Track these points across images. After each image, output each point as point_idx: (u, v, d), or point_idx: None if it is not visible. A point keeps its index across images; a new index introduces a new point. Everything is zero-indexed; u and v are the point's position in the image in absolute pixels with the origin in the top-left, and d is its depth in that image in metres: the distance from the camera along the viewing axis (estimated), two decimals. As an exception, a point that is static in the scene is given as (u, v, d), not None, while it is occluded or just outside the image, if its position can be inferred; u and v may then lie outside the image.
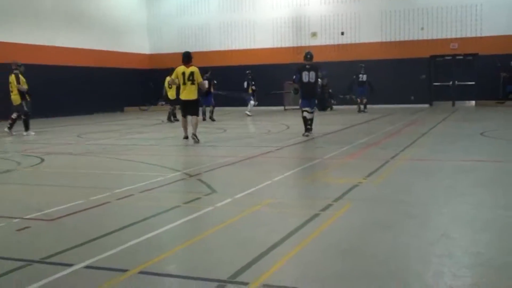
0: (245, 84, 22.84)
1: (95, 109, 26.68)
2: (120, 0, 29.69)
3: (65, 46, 25.24)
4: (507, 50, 24.58)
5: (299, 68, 13.25)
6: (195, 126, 12.25)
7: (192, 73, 12.05)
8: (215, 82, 21.18)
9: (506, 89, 24.74)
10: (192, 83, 12.07)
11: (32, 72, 18.49)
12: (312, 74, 13.09)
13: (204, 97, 19.24)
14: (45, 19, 24.36)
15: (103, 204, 5.99)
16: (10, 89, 15.00)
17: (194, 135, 12.14)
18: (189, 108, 12.28)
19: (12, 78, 14.95)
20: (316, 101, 14.39)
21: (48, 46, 24.31)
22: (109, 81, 27.72)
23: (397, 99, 26.40)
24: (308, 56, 13.32)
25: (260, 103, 24.23)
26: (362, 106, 22.85)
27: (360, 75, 22.98)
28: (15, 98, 14.99)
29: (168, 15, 31.21)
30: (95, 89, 26.65)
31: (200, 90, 12.43)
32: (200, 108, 13.96)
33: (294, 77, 13.40)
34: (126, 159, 9.75)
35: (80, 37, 26.30)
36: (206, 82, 14.99)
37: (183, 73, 12.07)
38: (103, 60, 27.59)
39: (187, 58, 12.28)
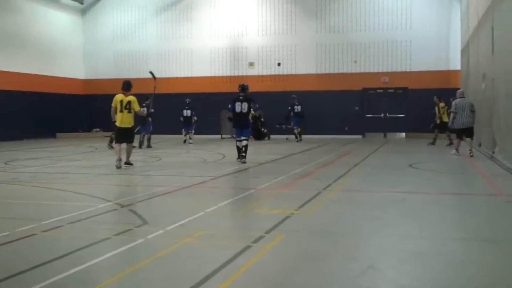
0: (189, 112, 22.62)
1: (26, 135, 25.81)
2: (55, 23, 29.12)
3: (-5, 69, 24.44)
4: (432, 85, 25.76)
5: (234, 99, 14.10)
6: (129, 153, 12.54)
7: (129, 102, 12.42)
8: (152, 110, 21.00)
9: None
10: (129, 112, 12.43)
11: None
12: (245, 104, 13.87)
13: (142, 125, 19.64)
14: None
15: (29, 236, 5.77)
16: None
17: (127, 162, 12.43)
18: (124, 135, 12.57)
19: None
20: (250, 131, 14.87)
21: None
22: (42, 106, 26.97)
23: (332, 129, 27.07)
24: (241, 87, 14.24)
25: (197, 131, 24.20)
26: (298, 136, 23.43)
27: (296, 107, 23.57)
28: None
29: (105, 40, 30.88)
30: (26, 114, 25.84)
31: (140, 117, 12.59)
32: (137, 136, 14.13)
33: (229, 106, 14.17)
34: (55, 188, 9.46)
35: (11, 60, 25.57)
36: (144, 110, 15.02)
37: (121, 101, 12.44)
38: (35, 84, 26.88)
39: (126, 86, 12.65)
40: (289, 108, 23.86)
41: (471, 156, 14.93)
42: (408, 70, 26.73)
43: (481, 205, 7.92)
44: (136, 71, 30.08)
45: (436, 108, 19.98)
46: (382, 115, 27.15)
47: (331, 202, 8.04)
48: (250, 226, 6.41)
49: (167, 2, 29.95)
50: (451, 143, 19.07)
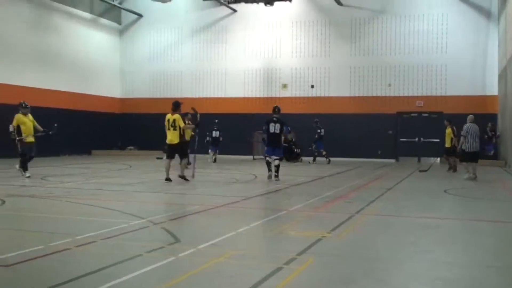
0: (217, 133, 23.12)
1: (62, 151, 26.35)
2: (94, 42, 29.84)
3: (34, 87, 25.06)
4: (468, 110, 25.36)
5: (267, 120, 14.97)
6: (182, 168, 13.84)
7: (174, 120, 13.52)
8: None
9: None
10: (174, 129, 13.54)
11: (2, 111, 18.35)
12: (278, 126, 14.73)
13: (214, 145, 22.27)
14: (14, 58, 24.27)
15: (63, 250, 5.86)
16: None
17: (181, 175, 13.67)
18: (173, 151, 13.81)
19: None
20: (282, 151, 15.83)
21: (16, 86, 24.12)
22: (78, 123, 27.51)
23: (364, 153, 26.83)
24: (276, 109, 15.12)
25: (229, 151, 24.43)
26: (326, 158, 23.68)
27: (321, 129, 23.83)
28: None
29: (141, 60, 31.47)
30: (63, 131, 26.32)
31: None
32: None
33: (263, 128, 15.08)
34: (89, 204, 9.60)
35: (50, 78, 26.24)
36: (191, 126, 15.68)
37: (168, 120, 13.68)
38: (72, 102, 27.49)
39: (173, 106, 13.82)
40: (318, 131, 23.88)
41: (473, 179, 15.47)
42: (443, 94, 26.43)
43: (518, 234, 7.71)
44: (171, 91, 30.55)
45: (448, 132, 19.31)
46: (416, 139, 26.82)
47: (363, 226, 7.95)
48: (281, 248, 6.37)
49: (203, 24, 30.41)
50: (450, 168, 18.75)
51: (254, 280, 4.76)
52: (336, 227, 7.56)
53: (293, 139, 25.26)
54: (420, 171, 19.06)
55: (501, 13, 24.15)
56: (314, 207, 9.75)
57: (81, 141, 27.92)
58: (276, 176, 14.58)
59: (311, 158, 24.17)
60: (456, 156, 18.27)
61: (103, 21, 30.61)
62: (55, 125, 15.25)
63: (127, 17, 31.83)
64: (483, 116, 25.37)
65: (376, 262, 5.66)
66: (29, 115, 14.67)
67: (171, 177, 13.66)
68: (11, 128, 14.33)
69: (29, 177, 14.07)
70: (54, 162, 21.57)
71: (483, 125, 24.77)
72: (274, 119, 14.86)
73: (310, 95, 28.48)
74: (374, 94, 27.48)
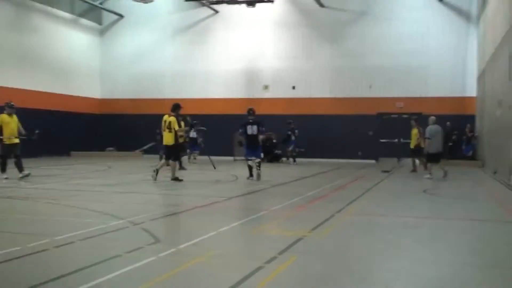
0: (195, 134, 22.85)
1: (41, 152, 25.99)
2: (74, 43, 29.56)
3: (13, 87, 24.72)
4: (447, 111, 25.68)
5: (245, 123, 15.06)
6: (172, 170, 13.98)
7: (170, 122, 13.74)
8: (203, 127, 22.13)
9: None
10: (169, 131, 13.77)
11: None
12: (254, 127, 14.91)
13: (193, 145, 21.85)
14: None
15: (41, 251, 5.77)
16: None
17: (173, 178, 13.81)
18: (168, 152, 14.12)
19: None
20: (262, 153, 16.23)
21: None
22: (57, 124, 27.19)
23: (345, 153, 26.95)
24: (251, 111, 15.19)
25: (210, 152, 24.29)
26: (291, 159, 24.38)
27: (295, 131, 24.38)
28: None
29: (122, 60, 31.22)
30: (41, 132, 26.02)
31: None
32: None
33: (240, 130, 15.28)
34: (68, 205, 9.48)
35: (29, 78, 25.91)
36: (185, 129, 15.81)
37: (165, 121, 13.93)
38: (52, 103, 27.17)
39: (172, 107, 14.12)
40: (289, 133, 24.31)
41: (430, 178, 15.87)
42: (423, 95, 26.65)
43: (497, 232, 7.80)
44: (152, 92, 30.37)
45: (414, 132, 19.23)
46: (396, 140, 27.00)
47: (344, 225, 7.97)
48: (262, 247, 6.35)
49: (184, 24, 30.29)
50: (413, 170, 18.90)
51: (235, 279, 4.74)
52: (317, 226, 7.57)
53: (274, 140, 25.33)
54: (383, 171, 19.13)
55: (481, 16, 24.46)
56: (295, 206, 9.75)
57: (60, 142, 27.58)
58: (259, 175, 14.79)
59: (291, 160, 24.31)
60: (422, 157, 18.47)
61: (84, 21, 30.32)
62: (37, 131, 15.09)
63: (108, 18, 31.55)
64: (462, 117, 25.70)
65: (357, 261, 5.67)
66: (15, 116, 14.41)
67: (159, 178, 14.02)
68: None
69: (6, 178, 13.85)
70: (33, 163, 21.27)
71: (461, 126, 25.15)
72: (250, 120, 15.01)
73: (291, 96, 28.52)
74: (355, 95, 27.62)
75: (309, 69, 28.28)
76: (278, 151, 25.43)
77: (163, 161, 14.43)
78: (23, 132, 14.57)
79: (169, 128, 13.81)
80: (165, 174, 14.74)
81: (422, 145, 17.98)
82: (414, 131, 19.16)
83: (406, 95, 26.89)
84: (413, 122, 19.66)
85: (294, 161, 24.30)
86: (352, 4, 27.81)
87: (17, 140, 14.35)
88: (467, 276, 5.18)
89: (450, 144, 25.00)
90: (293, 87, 28.48)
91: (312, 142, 27.06)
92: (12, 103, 14.46)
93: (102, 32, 31.74)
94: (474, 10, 26.19)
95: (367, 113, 27.22)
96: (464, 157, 24.89)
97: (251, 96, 28.84)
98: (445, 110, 25.77)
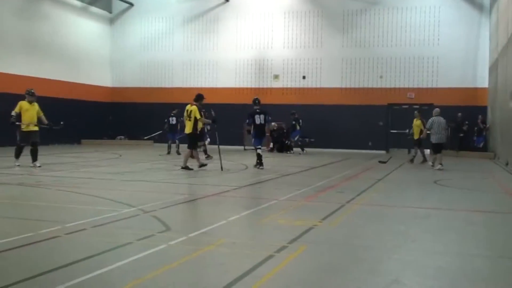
0: (174, 119, 22.07)
1: (52, 140, 26.12)
2: (84, 31, 29.57)
3: (23, 75, 24.81)
4: (459, 102, 25.53)
5: (252, 113, 15.41)
6: (185, 158, 14.13)
7: (191, 111, 14.08)
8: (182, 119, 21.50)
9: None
10: (189, 120, 14.08)
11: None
12: (262, 116, 15.31)
13: (170, 133, 21.53)
14: (3, 46, 24.02)
15: (53, 237, 5.82)
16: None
17: (184, 166, 13.92)
18: (188, 140, 14.36)
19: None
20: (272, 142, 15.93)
21: (5, 74, 23.90)
22: (68, 112, 27.22)
23: (355, 144, 26.90)
24: (257, 101, 15.56)
25: (220, 141, 24.26)
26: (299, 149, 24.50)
27: (299, 121, 24.39)
28: None
29: (131, 49, 31.24)
30: (52, 120, 26.11)
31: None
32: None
33: (247, 121, 15.62)
34: (79, 192, 9.54)
35: (39, 66, 25.97)
36: (173, 120, 15.74)
37: (187, 110, 14.25)
38: (62, 91, 27.24)
39: (195, 97, 14.41)
40: (294, 123, 24.35)
41: (433, 168, 16.47)
42: (434, 86, 26.49)
43: (507, 223, 7.76)
44: (161, 81, 30.43)
45: (417, 124, 19.21)
46: (407, 131, 26.85)
47: (354, 215, 7.96)
48: (272, 236, 6.36)
49: (194, 13, 30.23)
50: (424, 160, 18.91)
51: (245, 268, 4.75)
52: (327, 216, 7.57)
53: (285, 130, 25.29)
54: (380, 161, 19.02)
55: (493, 6, 24.19)
56: (305, 196, 9.75)
57: (71, 130, 27.67)
58: (262, 164, 15.09)
59: (299, 149, 24.39)
60: (424, 148, 18.52)
61: (94, 9, 30.32)
62: (62, 123, 15.00)
63: (118, 6, 31.54)
64: (474, 108, 25.52)
65: (367, 251, 5.66)
66: (35, 104, 14.31)
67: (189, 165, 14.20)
68: (12, 113, 14.03)
69: (18, 166, 13.92)
70: (43, 151, 21.39)
71: (472, 117, 24.98)
72: (258, 110, 15.34)
73: (301, 86, 28.45)
74: (366, 86, 27.50)
75: (319, 59, 28.16)
76: (288, 141, 25.34)
77: (187, 151, 14.53)
78: (45, 121, 14.49)
79: (190, 117, 14.06)
80: (180, 162, 14.78)
81: (424, 137, 18.14)
82: (417, 122, 19.08)
83: (417, 86, 26.76)
84: (416, 113, 19.63)
85: (303, 150, 24.31)
86: (363, -6, 27.61)
87: (35, 128, 14.25)
88: (476, 267, 5.16)
89: (461, 135, 24.87)
90: (303, 77, 28.40)
91: (322, 132, 27.03)
92: (32, 91, 14.39)
93: (112, 21, 31.75)
94: (486, 0, 25.91)
95: (378, 103, 27.10)
96: (475, 148, 24.75)
97: (261, 86, 28.81)
98: (456, 101, 25.62)
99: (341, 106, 27.46)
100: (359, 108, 27.25)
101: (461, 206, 9.19)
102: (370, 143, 26.93)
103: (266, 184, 11.96)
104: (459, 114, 25.06)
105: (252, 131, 15.61)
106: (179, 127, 21.66)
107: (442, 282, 4.63)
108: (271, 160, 19.49)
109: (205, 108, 15.55)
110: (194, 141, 14.54)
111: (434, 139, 16.59)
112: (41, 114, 14.43)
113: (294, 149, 24.76)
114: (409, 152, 26.42)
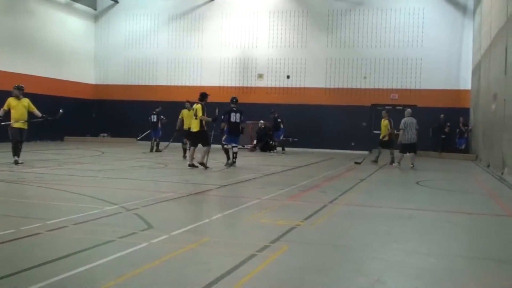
0: (155, 117, 21.76)
1: (34, 137, 25.84)
2: (68, 27, 29.33)
3: (6, 71, 24.53)
4: (442, 103, 25.77)
5: (228, 110, 15.64)
6: (202, 155, 14.33)
7: (196, 110, 14.36)
8: (162, 117, 21.39)
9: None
10: (195, 118, 14.39)
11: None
12: (238, 115, 15.56)
13: (153, 130, 21.32)
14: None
15: (34, 234, 5.75)
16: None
17: (201, 162, 14.16)
18: (194, 138, 14.63)
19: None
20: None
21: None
22: (51, 109, 26.95)
23: (338, 144, 27.01)
24: (234, 100, 15.83)
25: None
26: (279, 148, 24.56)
27: (280, 120, 24.48)
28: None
29: (116, 46, 31.04)
30: (35, 116, 25.85)
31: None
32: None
33: (223, 117, 15.73)
34: (61, 189, 9.45)
35: (22, 62, 25.70)
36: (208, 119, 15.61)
37: (193, 109, 14.61)
38: (45, 87, 26.95)
39: (199, 96, 14.72)
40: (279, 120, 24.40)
41: (412, 168, 16.78)
42: (418, 88, 26.69)
43: (489, 224, 7.84)
44: (146, 78, 30.27)
45: (384, 124, 18.91)
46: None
47: (337, 215, 7.98)
48: (255, 235, 6.35)
49: (179, 11, 30.11)
50: (375, 161, 18.88)
51: (228, 266, 4.74)
52: (310, 216, 7.58)
53: (271, 132, 25.23)
54: (355, 162, 18.94)
55: (477, 9, 24.44)
56: (288, 196, 9.76)
57: (54, 127, 27.39)
58: (234, 162, 15.39)
59: (292, 149, 24.53)
60: (393, 148, 18.55)
61: (78, 6, 30.06)
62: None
63: (102, 3, 31.31)
64: (456, 109, 25.77)
65: (350, 251, 5.68)
66: (24, 99, 13.91)
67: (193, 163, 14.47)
68: (1, 112, 13.73)
69: (21, 163, 13.63)
70: (26, 148, 21.14)
71: (455, 118, 25.22)
72: (234, 108, 15.58)
73: (285, 86, 28.50)
74: (350, 86, 27.63)
75: (303, 58, 28.22)
76: (272, 141, 25.33)
77: (192, 149, 14.67)
78: (39, 114, 14.09)
79: (195, 115, 14.34)
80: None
81: (390, 137, 18.49)
82: (384, 123, 18.94)
83: (401, 87, 26.94)
84: (384, 113, 19.50)
85: (283, 150, 24.37)
86: (348, -6, 27.73)
87: (23, 125, 13.85)
88: (459, 268, 5.20)
89: (443, 136, 25.09)
90: (288, 77, 28.45)
91: (306, 132, 27.09)
92: (21, 86, 13.97)
93: (96, 17, 31.52)
94: (470, 2, 26.17)
95: (362, 104, 27.24)
96: (458, 150, 24.99)
97: (245, 85, 28.80)
98: (439, 102, 25.87)
99: (325, 106, 27.56)
100: (343, 108, 27.37)
101: (443, 207, 9.26)
102: (353, 143, 27.05)
103: (249, 183, 11.95)
104: (442, 115, 25.28)
105: (225, 128, 15.75)
106: (159, 125, 21.57)
107: (426, 282, 4.65)
108: (254, 159, 19.50)
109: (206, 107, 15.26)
110: (206, 137, 14.68)
111: (405, 139, 17.10)
112: (34, 109, 14.03)
113: (277, 148, 24.81)
114: (391, 153, 26.61)
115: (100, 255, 5.00)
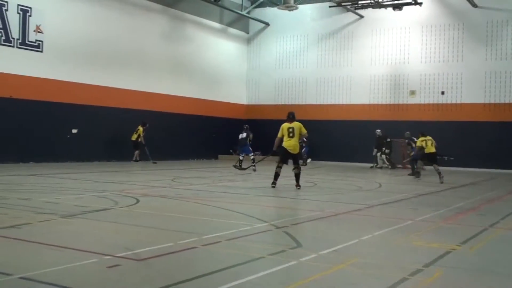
0: (244, 134, 21.43)
1: (191, 155, 27.57)
2: (223, 51, 30.93)
3: (168, 94, 26.53)
4: None
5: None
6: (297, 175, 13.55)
7: (294, 128, 13.59)
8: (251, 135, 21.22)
9: None
10: (293, 136, 13.55)
11: (141, 117, 19.94)
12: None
13: (243, 146, 20.82)
14: (151, 67, 25.78)
15: (191, 248, 6.08)
16: None
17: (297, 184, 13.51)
18: (288, 157, 13.78)
19: None
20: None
21: (152, 93, 25.65)
22: (206, 129, 28.62)
23: (499, 163, 25.13)
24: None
25: (350, 159, 24.06)
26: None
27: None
28: None
29: (267, 67, 32.06)
30: (192, 136, 27.60)
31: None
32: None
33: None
34: (215, 206, 9.91)
35: (182, 85, 27.57)
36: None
37: (288, 128, 13.67)
38: (201, 108, 28.63)
39: (291, 116, 13.96)
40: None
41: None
42: None
43: None
44: (295, 98, 30.83)
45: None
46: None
47: (497, 240, 7.41)
48: (406, 258, 6.11)
49: (328, 30, 30.32)
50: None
51: (378, 289, 4.61)
52: (468, 240, 7.12)
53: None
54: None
55: None
56: (443, 218, 9.27)
57: (208, 146, 28.97)
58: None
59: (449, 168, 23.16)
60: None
61: (232, 30, 31.62)
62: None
63: (254, 26, 32.60)
64: None
65: (509, 279, 5.23)
66: (296, 123, 13.92)
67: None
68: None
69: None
70: (183, 166, 22.59)
71: None
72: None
73: (440, 102, 27.28)
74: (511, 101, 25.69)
75: (459, 73, 26.84)
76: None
77: (296, 171, 13.72)
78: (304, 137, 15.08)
79: (293, 133, 13.53)
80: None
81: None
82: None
83: None
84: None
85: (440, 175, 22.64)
86: (509, 3, 25.92)
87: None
88: None
89: None
90: (442, 92, 27.22)
91: (462, 150, 25.60)
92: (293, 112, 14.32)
93: (249, 40, 32.86)
94: None
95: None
96: None
97: (396, 102, 28.10)
98: None
99: (483, 122, 25.91)
100: (505, 124, 25.49)
101: None
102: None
103: (401, 203, 11.56)
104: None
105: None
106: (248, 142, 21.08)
107: None
108: (403, 178, 18.86)
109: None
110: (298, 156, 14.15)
111: None
112: (304, 132, 14.04)
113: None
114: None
115: (250, 271, 5.14)
